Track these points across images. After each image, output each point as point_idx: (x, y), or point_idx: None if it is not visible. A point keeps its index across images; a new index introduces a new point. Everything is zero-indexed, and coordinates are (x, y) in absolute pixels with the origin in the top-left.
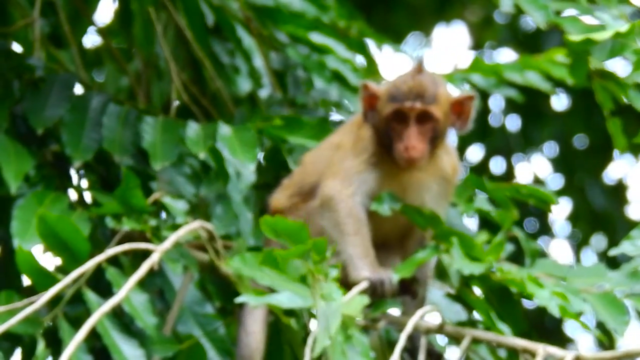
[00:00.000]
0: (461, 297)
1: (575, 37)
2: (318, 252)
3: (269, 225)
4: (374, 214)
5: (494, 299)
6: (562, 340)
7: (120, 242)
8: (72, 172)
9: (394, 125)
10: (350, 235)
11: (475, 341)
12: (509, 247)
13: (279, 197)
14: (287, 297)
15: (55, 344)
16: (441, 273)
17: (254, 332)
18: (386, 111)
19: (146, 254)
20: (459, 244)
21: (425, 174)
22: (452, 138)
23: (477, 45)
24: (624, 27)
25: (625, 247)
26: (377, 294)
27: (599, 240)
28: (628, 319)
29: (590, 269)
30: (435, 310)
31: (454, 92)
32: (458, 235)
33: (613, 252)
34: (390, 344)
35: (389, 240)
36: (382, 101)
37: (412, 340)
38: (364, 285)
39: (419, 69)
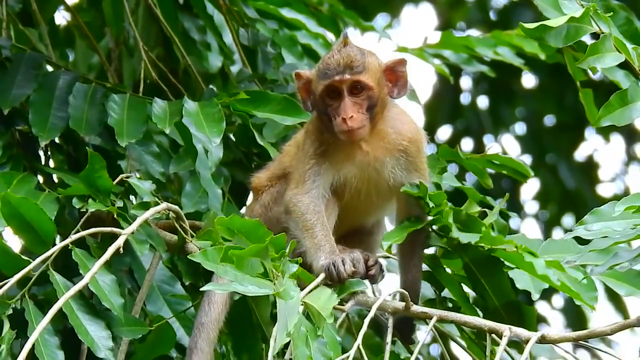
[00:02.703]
0: (433, 275)
1: (529, 25)
2: (276, 248)
3: (224, 225)
4: (347, 206)
5: (479, 270)
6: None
7: (87, 223)
8: (41, 153)
9: (329, 101)
10: (308, 229)
11: (442, 321)
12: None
13: (260, 177)
14: (252, 286)
15: (22, 325)
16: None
17: (217, 302)
18: (319, 89)
19: (114, 235)
20: (452, 216)
21: (377, 150)
22: (413, 110)
23: (446, 26)
24: (578, 11)
25: (580, 232)
26: (333, 278)
27: (569, 220)
28: (596, 295)
29: (560, 243)
30: (401, 293)
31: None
32: (453, 210)
33: (568, 236)
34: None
35: (354, 232)
36: (315, 81)
37: (402, 321)
38: (321, 275)
39: (345, 42)
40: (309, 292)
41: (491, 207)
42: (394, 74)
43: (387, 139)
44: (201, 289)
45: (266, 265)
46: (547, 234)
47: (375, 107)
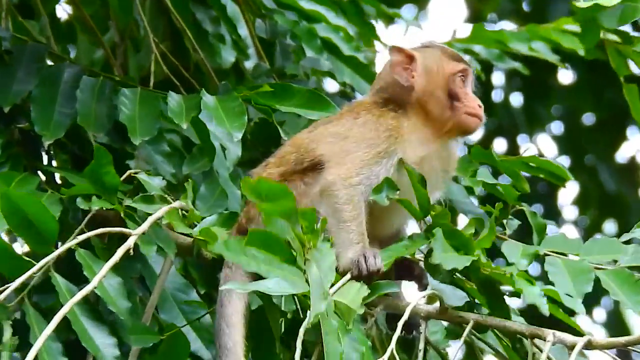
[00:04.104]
0: (458, 285)
1: (582, 3)
2: (307, 219)
3: (251, 188)
4: (372, 211)
5: (483, 291)
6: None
7: (92, 223)
8: (43, 152)
9: (457, 84)
10: (345, 221)
11: (479, 327)
12: (514, 223)
13: (272, 173)
14: (275, 284)
15: (22, 330)
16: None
17: (235, 323)
18: (455, 68)
19: (122, 236)
20: (443, 236)
21: (437, 164)
22: None
23: (476, 19)
24: None
25: (637, 233)
26: (361, 270)
27: (610, 226)
28: None
29: (604, 243)
30: (435, 294)
31: None
32: (443, 227)
33: (624, 238)
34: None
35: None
36: (438, 60)
37: (410, 327)
38: (348, 273)
39: None
40: (337, 291)
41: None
42: None
43: (450, 159)
44: (221, 288)
45: (296, 232)
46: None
47: None
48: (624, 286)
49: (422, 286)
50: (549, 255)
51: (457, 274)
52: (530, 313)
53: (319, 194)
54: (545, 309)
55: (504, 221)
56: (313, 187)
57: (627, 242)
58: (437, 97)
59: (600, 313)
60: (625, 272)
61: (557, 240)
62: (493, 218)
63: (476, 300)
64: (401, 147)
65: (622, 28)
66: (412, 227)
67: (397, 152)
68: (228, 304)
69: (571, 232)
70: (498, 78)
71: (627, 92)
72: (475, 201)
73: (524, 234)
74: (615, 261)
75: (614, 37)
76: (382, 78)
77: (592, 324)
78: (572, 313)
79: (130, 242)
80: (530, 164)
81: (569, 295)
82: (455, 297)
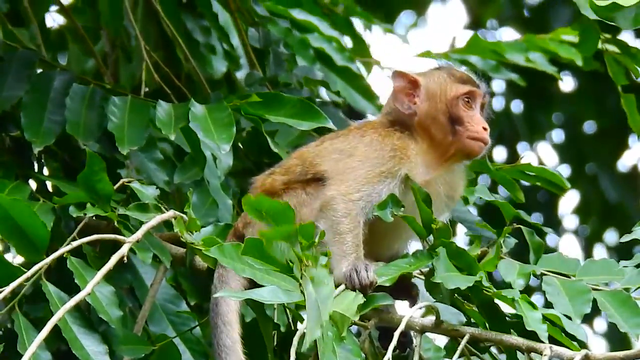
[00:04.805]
0: (456, 305)
1: (601, 2)
2: (305, 236)
3: (251, 205)
4: (373, 230)
5: (484, 313)
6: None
7: (84, 232)
8: (34, 160)
9: (462, 107)
10: (340, 234)
11: (475, 341)
12: (511, 241)
13: (276, 180)
14: (269, 292)
15: (12, 340)
16: (430, 287)
17: (232, 321)
18: (459, 91)
19: (114, 246)
20: (447, 256)
21: (441, 189)
22: None
23: (476, 24)
24: None
25: (638, 233)
26: (354, 284)
27: (611, 235)
28: None
29: (600, 264)
30: (430, 307)
31: None
32: (447, 246)
33: (625, 239)
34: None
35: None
36: (444, 83)
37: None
38: (342, 284)
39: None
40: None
41: (526, 224)
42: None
43: (455, 184)
44: (214, 296)
45: (295, 252)
46: (587, 251)
47: None
48: (621, 308)
49: (413, 300)
50: (546, 274)
51: (456, 294)
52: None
53: (319, 209)
54: (545, 336)
55: (501, 240)
56: (314, 200)
57: (628, 245)
58: (439, 122)
59: (600, 323)
60: (622, 294)
61: (554, 260)
62: (498, 243)
63: (472, 321)
64: (406, 168)
65: (621, 37)
66: (414, 248)
67: (402, 173)
68: (223, 302)
69: (571, 242)
70: (498, 85)
71: (624, 102)
72: (474, 210)
73: (522, 251)
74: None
75: (612, 48)
76: (388, 102)
77: (593, 335)
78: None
79: (124, 250)
80: (527, 172)
81: (567, 316)
82: (449, 313)
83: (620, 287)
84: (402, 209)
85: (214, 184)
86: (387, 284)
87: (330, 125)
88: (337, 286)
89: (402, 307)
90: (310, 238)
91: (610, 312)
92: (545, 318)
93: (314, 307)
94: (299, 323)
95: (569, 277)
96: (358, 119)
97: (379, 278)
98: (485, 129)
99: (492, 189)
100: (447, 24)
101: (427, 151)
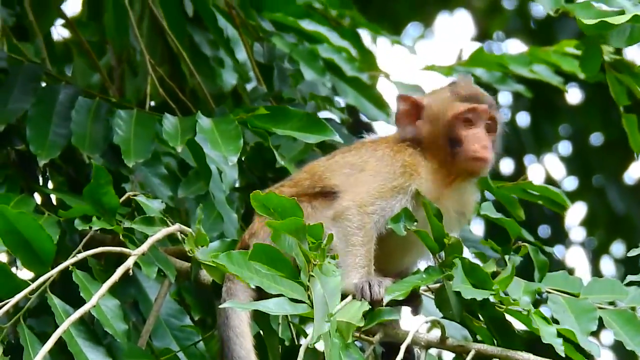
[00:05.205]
0: (464, 322)
1: (589, 20)
2: (314, 236)
3: (259, 201)
4: (383, 246)
5: (494, 329)
6: None
7: (89, 246)
8: (39, 174)
9: (462, 126)
10: (355, 245)
11: (480, 358)
12: (516, 259)
13: (284, 192)
14: (276, 304)
15: (16, 354)
16: (441, 303)
17: (245, 332)
18: (454, 111)
19: (119, 260)
20: (462, 269)
21: (450, 206)
22: None
23: (483, 36)
24: None
25: None
26: (365, 296)
27: (618, 247)
28: None
29: (604, 283)
30: (435, 322)
31: None
32: (463, 262)
33: (633, 253)
34: None
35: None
36: (445, 103)
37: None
38: (350, 295)
39: (471, 81)
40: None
41: (529, 242)
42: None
43: (466, 200)
44: (220, 306)
45: (302, 249)
46: (594, 263)
47: (494, 152)
48: (627, 326)
49: (416, 311)
50: (551, 293)
51: (465, 311)
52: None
53: (332, 218)
54: (561, 350)
55: (506, 257)
56: (323, 212)
57: (635, 257)
58: (439, 144)
59: (607, 336)
60: (627, 313)
61: (558, 278)
62: (513, 263)
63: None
64: (416, 184)
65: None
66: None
67: (412, 189)
68: (234, 315)
69: (579, 254)
70: (505, 98)
71: (625, 122)
72: (481, 223)
73: (526, 266)
74: (614, 302)
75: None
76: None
77: (600, 347)
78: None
79: (130, 262)
80: (529, 190)
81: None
82: (453, 327)
83: (625, 306)
84: (415, 223)
85: (219, 198)
86: (400, 298)
87: (337, 138)
88: (344, 296)
89: (407, 322)
90: (319, 238)
91: (616, 330)
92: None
93: (321, 303)
94: (302, 338)
95: (574, 296)
96: (363, 133)
97: (392, 294)
98: (484, 146)
99: (497, 203)
100: (454, 35)
101: (437, 170)
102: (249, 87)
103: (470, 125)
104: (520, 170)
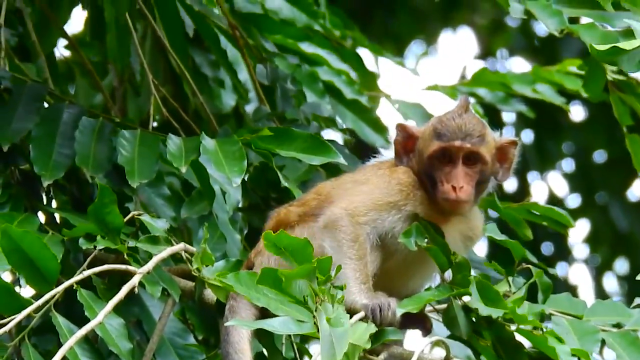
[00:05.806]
0: (470, 343)
1: (601, 46)
2: (322, 271)
3: (271, 241)
4: (389, 268)
5: (502, 350)
6: None
7: (93, 265)
8: (43, 193)
9: (438, 165)
10: (352, 259)
11: None
12: (520, 281)
13: (291, 211)
14: (280, 323)
15: None
16: (449, 321)
17: (244, 350)
18: (431, 149)
19: (123, 279)
20: (477, 288)
21: (454, 230)
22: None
23: (486, 53)
24: None
25: None
26: (376, 320)
27: (621, 265)
28: None
29: (608, 306)
30: (441, 342)
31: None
32: (477, 280)
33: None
34: None
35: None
36: (425, 139)
37: None
38: (361, 312)
39: (466, 108)
40: None
41: (533, 263)
42: (504, 155)
43: (469, 224)
44: (225, 324)
45: (312, 287)
46: (597, 280)
47: (483, 183)
48: (630, 348)
49: (426, 332)
50: (554, 314)
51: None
52: None
53: (323, 226)
54: None
55: (510, 279)
56: (318, 220)
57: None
58: (422, 179)
59: (611, 353)
60: (630, 335)
61: (562, 300)
62: (527, 285)
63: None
64: (412, 205)
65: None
66: None
67: (408, 209)
68: (234, 332)
69: (582, 271)
70: (508, 116)
71: (629, 142)
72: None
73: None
74: (618, 324)
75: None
76: None
77: None
78: None
79: (135, 280)
80: (533, 211)
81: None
82: (456, 346)
83: (628, 328)
84: (426, 239)
85: (222, 218)
86: (414, 312)
87: (341, 160)
88: (351, 313)
89: (411, 341)
90: (327, 273)
91: (618, 352)
92: None
93: (327, 343)
94: (305, 357)
95: (577, 318)
96: (366, 155)
97: (405, 308)
98: (454, 187)
99: (500, 222)
100: (457, 53)
101: (432, 200)
102: (249, 108)
103: (447, 163)
104: (524, 187)
